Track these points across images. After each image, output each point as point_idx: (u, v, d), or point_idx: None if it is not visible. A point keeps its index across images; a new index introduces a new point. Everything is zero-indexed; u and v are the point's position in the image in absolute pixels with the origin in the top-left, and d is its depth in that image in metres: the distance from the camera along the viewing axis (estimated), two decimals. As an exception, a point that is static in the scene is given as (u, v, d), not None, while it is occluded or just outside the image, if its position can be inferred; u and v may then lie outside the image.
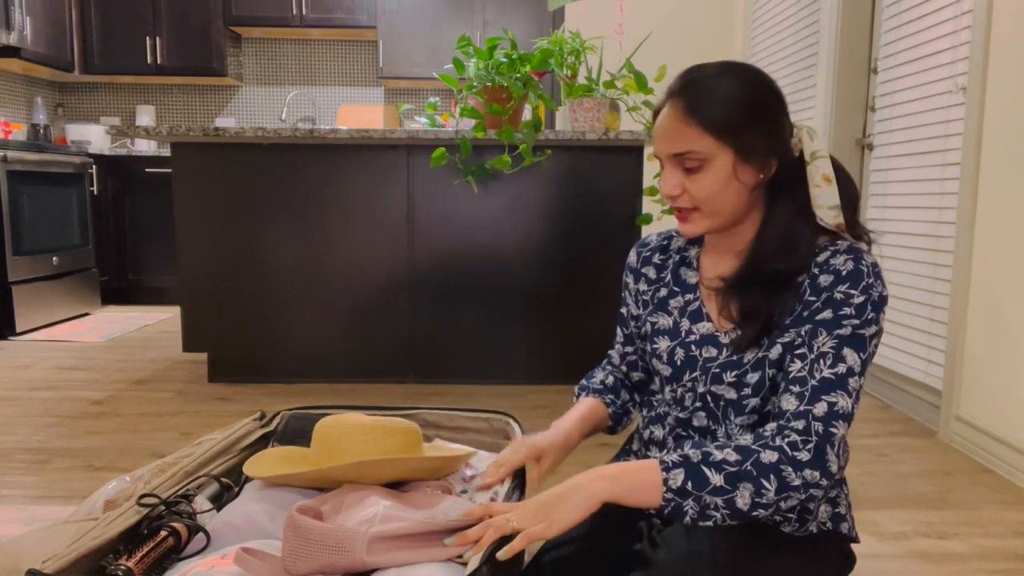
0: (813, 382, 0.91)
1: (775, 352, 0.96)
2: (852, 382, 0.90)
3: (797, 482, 0.87)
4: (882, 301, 0.92)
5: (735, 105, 0.93)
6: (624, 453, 1.21)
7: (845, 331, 0.91)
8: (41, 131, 4.86)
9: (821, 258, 0.95)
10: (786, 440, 0.88)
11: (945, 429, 2.32)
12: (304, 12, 4.88)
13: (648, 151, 2.78)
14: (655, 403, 1.13)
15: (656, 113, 1.01)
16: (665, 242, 1.14)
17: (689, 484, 0.87)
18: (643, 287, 1.14)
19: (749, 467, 0.87)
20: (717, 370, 1.00)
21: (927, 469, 2.08)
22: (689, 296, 1.07)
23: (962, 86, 2.30)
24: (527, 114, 3.13)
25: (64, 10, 4.70)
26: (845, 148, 3.09)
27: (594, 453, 2.17)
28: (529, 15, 4.91)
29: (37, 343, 3.68)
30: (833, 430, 0.89)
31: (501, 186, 2.87)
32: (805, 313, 0.94)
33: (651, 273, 1.13)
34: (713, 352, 1.01)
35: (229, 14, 4.89)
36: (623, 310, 1.20)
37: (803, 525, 0.98)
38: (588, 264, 2.90)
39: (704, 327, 1.03)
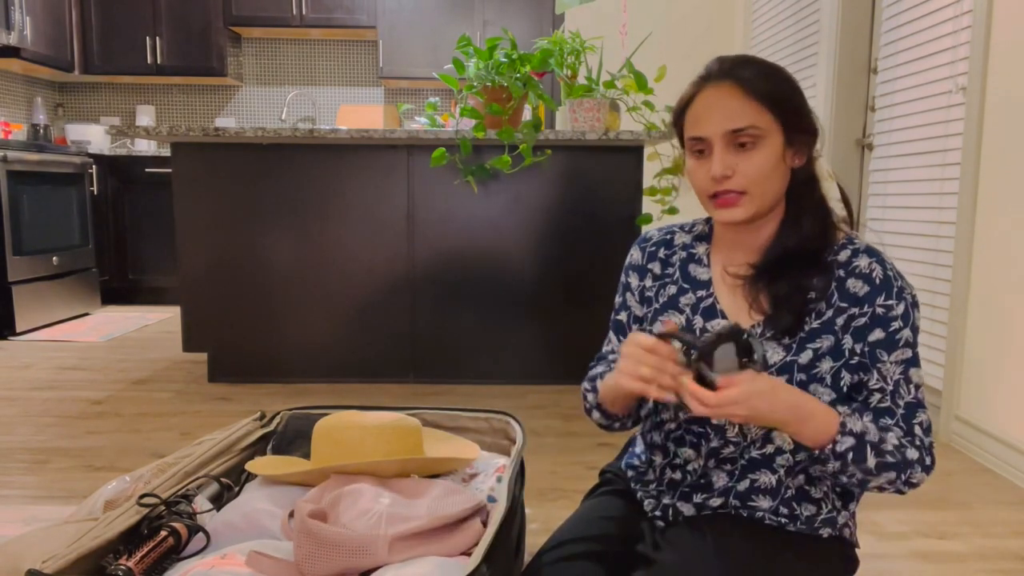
0: (900, 411, 0.95)
1: (805, 357, 0.95)
2: (922, 392, 0.97)
3: (915, 480, 0.93)
4: (916, 301, 0.96)
5: (788, 85, 0.96)
6: (628, 456, 1.21)
7: (906, 354, 0.95)
8: (41, 131, 4.86)
9: (843, 257, 0.96)
10: (923, 445, 0.95)
11: (945, 429, 2.32)
12: (304, 12, 4.88)
13: (648, 151, 2.78)
14: (658, 406, 1.12)
15: (687, 101, 0.98)
16: (668, 237, 1.11)
17: (850, 455, 0.89)
18: (648, 283, 1.10)
19: (900, 460, 0.91)
20: None
21: (927, 469, 2.08)
22: (701, 292, 1.04)
23: (962, 86, 2.30)
24: (527, 114, 3.13)
25: (64, 10, 4.70)
26: (845, 148, 3.09)
27: (594, 453, 2.17)
28: (529, 15, 4.91)
29: (37, 343, 3.68)
30: (930, 439, 0.96)
31: (501, 186, 2.87)
32: (840, 320, 0.95)
33: (656, 268, 1.10)
34: None
35: (229, 14, 4.89)
36: (621, 316, 1.13)
37: (810, 526, 0.98)
38: (588, 264, 2.90)
39: (719, 325, 1.02)
